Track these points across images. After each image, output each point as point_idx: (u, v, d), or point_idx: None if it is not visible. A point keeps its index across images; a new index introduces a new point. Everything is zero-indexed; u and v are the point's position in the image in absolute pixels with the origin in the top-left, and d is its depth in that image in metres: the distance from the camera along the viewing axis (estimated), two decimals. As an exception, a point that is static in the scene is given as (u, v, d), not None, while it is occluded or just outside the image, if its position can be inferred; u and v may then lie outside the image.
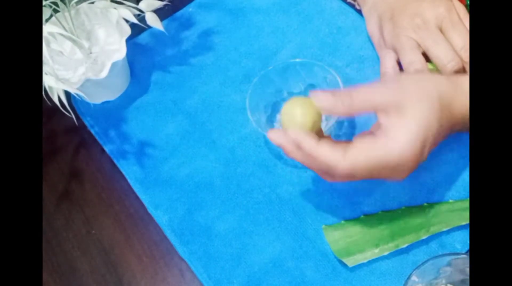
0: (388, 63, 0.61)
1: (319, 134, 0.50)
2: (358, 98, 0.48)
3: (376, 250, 0.53)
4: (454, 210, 0.55)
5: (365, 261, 0.53)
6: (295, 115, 0.48)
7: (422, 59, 0.58)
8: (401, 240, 0.53)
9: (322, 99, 0.47)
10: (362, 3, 0.68)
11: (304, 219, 0.57)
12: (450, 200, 0.55)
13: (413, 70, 0.58)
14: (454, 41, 0.57)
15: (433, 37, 0.58)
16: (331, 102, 0.47)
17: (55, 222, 0.61)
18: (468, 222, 0.54)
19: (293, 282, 0.54)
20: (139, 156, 0.63)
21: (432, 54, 0.58)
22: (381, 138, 0.47)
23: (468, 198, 0.55)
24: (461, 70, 0.57)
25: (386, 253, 0.53)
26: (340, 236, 0.54)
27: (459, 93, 0.50)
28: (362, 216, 0.55)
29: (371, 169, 0.47)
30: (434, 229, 0.54)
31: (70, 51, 0.64)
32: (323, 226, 0.56)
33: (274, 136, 0.49)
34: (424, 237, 0.53)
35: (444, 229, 0.54)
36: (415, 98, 0.48)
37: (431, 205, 0.55)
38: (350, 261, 0.53)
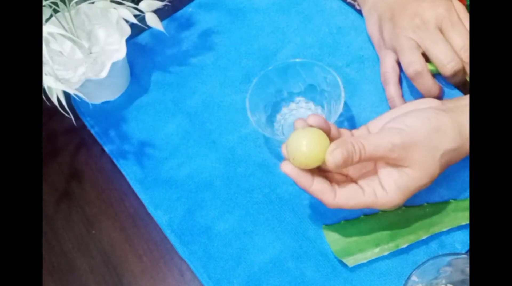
0: (388, 63, 0.61)
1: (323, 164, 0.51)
2: (366, 155, 0.49)
3: (376, 250, 0.53)
4: (454, 210, 0.55)
5: (365, 261, 0.53)
6: (301, 146, 0.49)
7: (422, 59, 0.58)
8: (401, 240, 0.53)
9: (338, 158, 0.49)
10: (362, 3, 0.68)
11: (304, 219, 0.57)
12: (450, 200, 0.55)
13: (413, 71, 0.58)
14: (454, 41, 0.57)
15: (433, 38, 0.58)
16: (345, 160, 0.49)
17: (55, 222, 0.61)
18: (468, 222, 0.54)
19: (293, 282, 0.54)
20: (139, 156, 0.63)
21: (431, 54, 0.58)
22: (371, 185, 0.50)
23: (468, 198, 0.55)
24: (461, 71, 0.57)
25: (386, 253, 0.53)
26: (340, 236, 0.54)
27: (466, 146, 0.51)
28: (362, 216, 0.55)
29: (357, 208, 0.51)
30: (434, 229, 0.54)
31: (70, 51, 0.64)
32: (323, 226, 0.56)
33: (285, 168, 0.51)
34: (424, 237, 0.53)
35: (444, 229, 0.54)
36: (419, 160, 0.49)
37: (431, 205, 0.55)
38: (350, 261, 0.53)
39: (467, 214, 0.54)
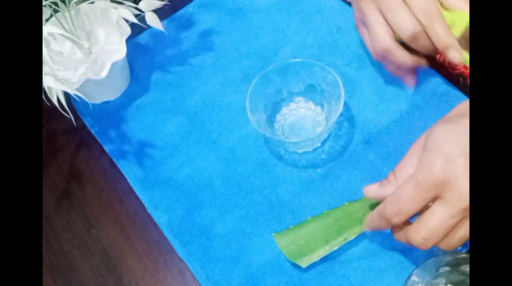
0: (367, 41, 0.60)
1: None
2: (401, 177, 0.48)
3: (327, 247, 0.53)
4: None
5: (318, 259, 0.53)
6: None
7: (386, 32, 0.56)
8: (348, 233, 0.53)
9: (371, 191, 0.50)
10: None
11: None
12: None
13: (379, 48, 0.57)
14: (413, 4, 0.55)
15: (389, 2, 0.56)
16: (380, 191, 0.50)
17: (55, 222, 0.61)
18: None
19: (290, 282, 0.54)
20: (139, 156, 0.63)
21: (389, 20, 0.56)
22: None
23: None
24: (422, 34, 0.55)
25: (336, 248, 0.53)
26: (290, 241, 0.54)
27: None
28: (308, 218, 0.55)
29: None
30: None
31: (70, 51, 0.64)
32: (274, 234, 0.55)
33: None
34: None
35: None
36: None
37: None
38: (304, 262, 0.53)
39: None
